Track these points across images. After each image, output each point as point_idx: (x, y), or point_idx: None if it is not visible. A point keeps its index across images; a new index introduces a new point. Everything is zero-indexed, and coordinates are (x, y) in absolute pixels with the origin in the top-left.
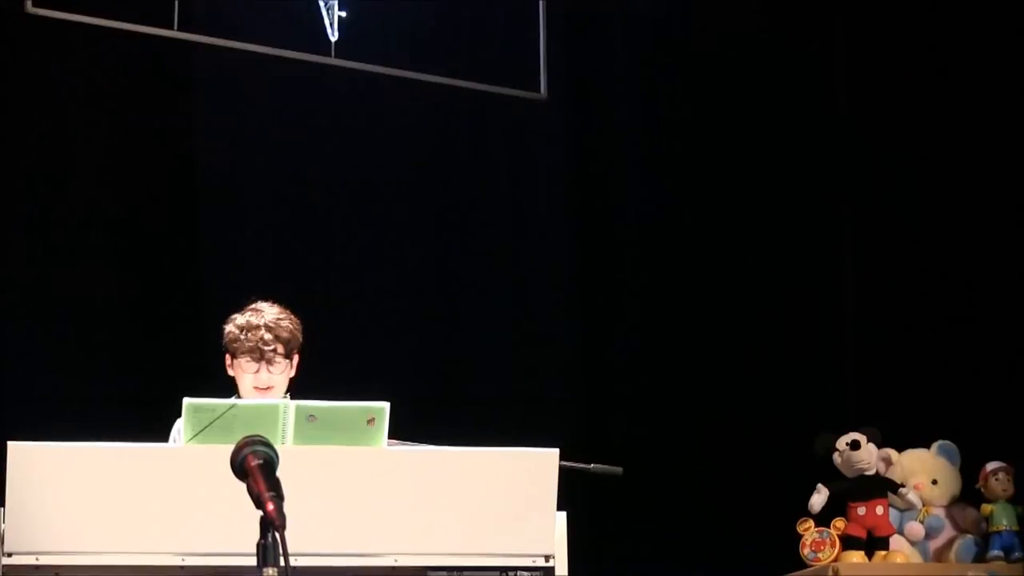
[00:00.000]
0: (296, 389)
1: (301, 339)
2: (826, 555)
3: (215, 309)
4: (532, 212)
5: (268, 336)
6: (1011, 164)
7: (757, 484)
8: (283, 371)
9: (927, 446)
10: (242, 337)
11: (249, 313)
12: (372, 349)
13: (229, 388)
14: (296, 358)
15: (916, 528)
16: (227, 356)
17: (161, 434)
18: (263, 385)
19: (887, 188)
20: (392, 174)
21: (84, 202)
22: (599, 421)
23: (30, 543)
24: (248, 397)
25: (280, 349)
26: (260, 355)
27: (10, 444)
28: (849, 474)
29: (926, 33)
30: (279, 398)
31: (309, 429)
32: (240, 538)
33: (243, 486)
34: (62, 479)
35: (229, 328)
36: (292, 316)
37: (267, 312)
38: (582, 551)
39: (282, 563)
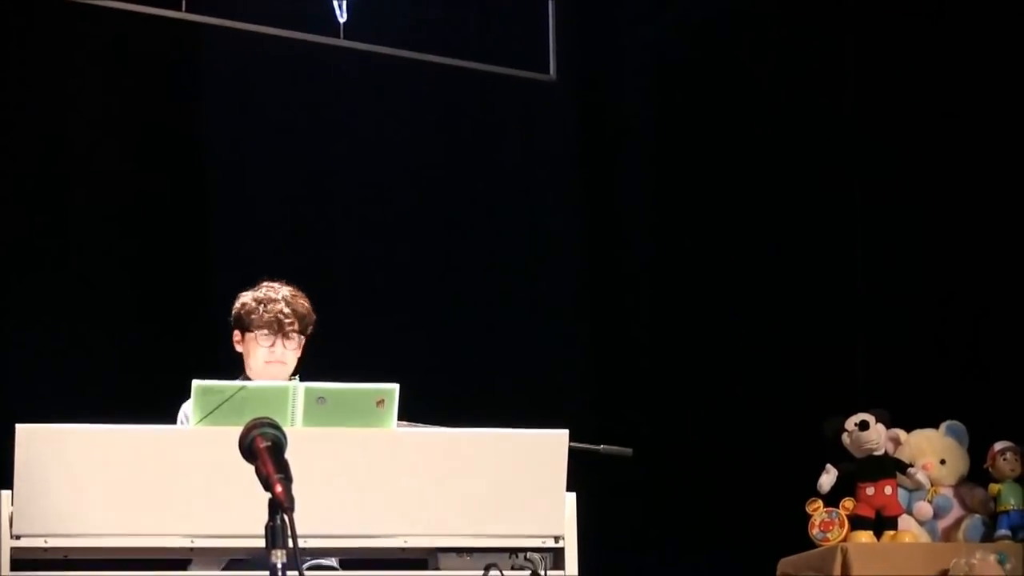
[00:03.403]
0: (306, 371)
1: (314, 317)
2: (835, 535)
3: (224, 288)
4: (541, 193)
5: (287, 310)
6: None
7: (766, 464)
8: (296, 347)
9: (935, 426)
10: (260, 309)
11: (264, 288)
12: (381, 331)
13: (236, 370)
14: (305, 338)
15: (924, 508)
16: (236, 331)
17: (168, 415)
18: (276, 359)
19: (897, 170)
20: (400, 155)
21: (93, 185)
22: (609, 403)
23: (39, 526)
24: (258, 373)
25: (296, 325)
26: (278, 327)
27: (18, 426)
28: (858, 454)
29: (934, 15)
30: (287, 378)
31: (318, 411)
32: (249, 520)
33: (252, 468)
34: (71, 461)
35: (243, 301)
36: (303, 295)
37: (282, 288)
38: (592, 532)
39: (291, 545)
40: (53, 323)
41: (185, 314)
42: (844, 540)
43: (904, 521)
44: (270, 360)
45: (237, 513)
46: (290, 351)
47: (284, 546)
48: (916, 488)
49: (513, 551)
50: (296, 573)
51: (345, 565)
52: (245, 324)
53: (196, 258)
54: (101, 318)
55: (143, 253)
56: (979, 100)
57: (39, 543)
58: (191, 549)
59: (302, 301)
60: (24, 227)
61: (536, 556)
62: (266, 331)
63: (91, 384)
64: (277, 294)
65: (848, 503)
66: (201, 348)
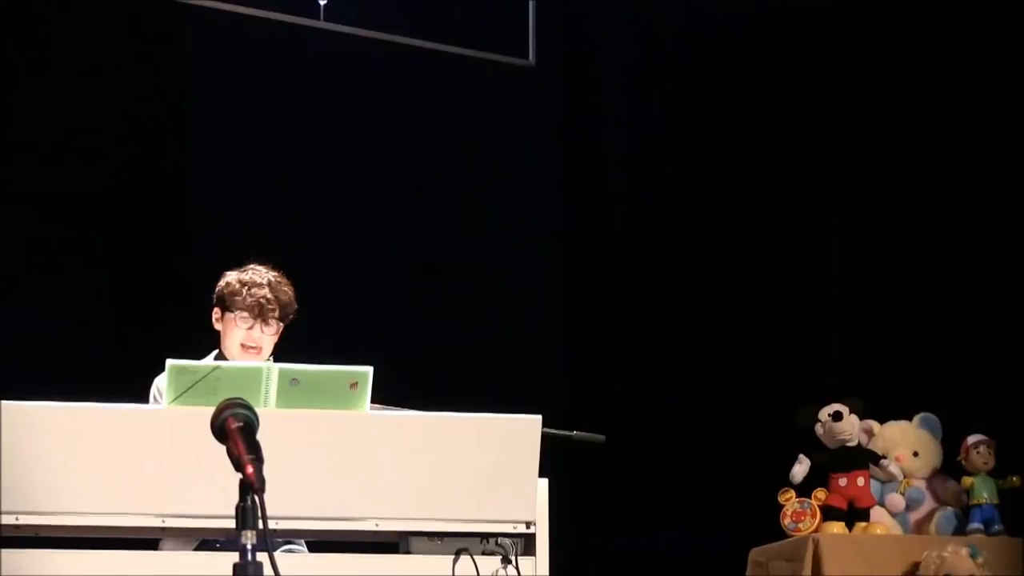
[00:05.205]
0: (282, 354)
1: (296, 307)
2: (807, 525)
3: (199, 267)
4: (519, 177)
5: (270, 295)
6: (997, 137)
7: (739, 454)
8: (274, 333)
9: (909, 418)
10: (244, 292)
11: (250, 271)
12: (358, 315)
13: (210, 349)
14: (284, 325)
15: (897, 500)
16: (216, 309)
17: (142, 395)
18: (253, 343)
19: (874, 159)
20: (378, 137)
21: (68, 165)
22: (583, 389)
23: (10, 503)
24: (233, 354)
25: (277, 312)
26: (259, 312)
27: None
28: (831, 445)
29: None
30: (262, 360)
31: (292, 392)
32: (221, 500)
33: (224, 448)
34: (42, 439)
35: (227, 281)
36: (288, 282)
37: (267, 273)
38: (564, 518)
39: (261, 526)
40: (26, 300)
41: (160, 293)
42: (816, 531)
43: (876, 513)
44: (246, 343)
45: (208, 493)
46: (267, 336)
47: (254, 527)
48: (889, 480)
49: (484, 536)
50: (266, 554)
51: (315, 548)
52: (226, 304)
53: (173, 237)
54: (74, 296)
55: (119, 232)
56: (953, 97)
57: (10, 520)
58: (162, 529)
59: (286, 288)
60: None
61: (507, 541)
62: (246, 314)
63: (63, 362)
64: (262, 279)
65: (820, 494)
66: (175, 327)
